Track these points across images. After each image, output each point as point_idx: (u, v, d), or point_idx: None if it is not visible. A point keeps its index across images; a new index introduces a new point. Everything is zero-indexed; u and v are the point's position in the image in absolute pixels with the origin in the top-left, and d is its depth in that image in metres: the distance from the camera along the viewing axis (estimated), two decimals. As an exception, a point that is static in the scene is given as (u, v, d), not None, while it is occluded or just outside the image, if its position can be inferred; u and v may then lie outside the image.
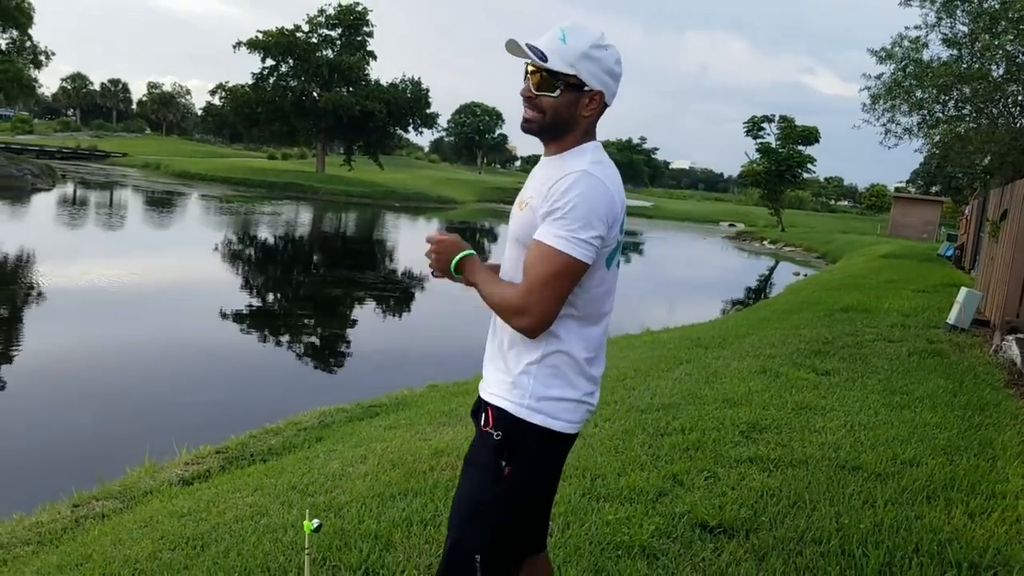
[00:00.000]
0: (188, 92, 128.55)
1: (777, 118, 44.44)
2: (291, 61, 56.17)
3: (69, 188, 37.15)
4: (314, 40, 56.87)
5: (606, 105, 1.92)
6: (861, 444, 4.61)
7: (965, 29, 15.59)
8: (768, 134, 44.44)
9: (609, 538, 3.25)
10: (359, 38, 58.05)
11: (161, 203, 35.24)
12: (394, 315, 15.03)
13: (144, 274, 16.00)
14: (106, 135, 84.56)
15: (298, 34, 56.02)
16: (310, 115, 55.71)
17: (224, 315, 12.54)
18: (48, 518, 4.38)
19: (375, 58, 58.78)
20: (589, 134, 1.92)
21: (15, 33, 42.30)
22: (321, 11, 57.11)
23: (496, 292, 1.85)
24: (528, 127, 1.91)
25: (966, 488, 3.93)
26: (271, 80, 56.55)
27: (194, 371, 9.41)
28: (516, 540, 1.95)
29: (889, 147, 18.31)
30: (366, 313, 14.88)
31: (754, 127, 44.43)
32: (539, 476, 1.93)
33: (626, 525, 3.37)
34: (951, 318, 9.37)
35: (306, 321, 13.56)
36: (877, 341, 8.32)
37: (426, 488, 3.87)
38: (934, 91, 16.07)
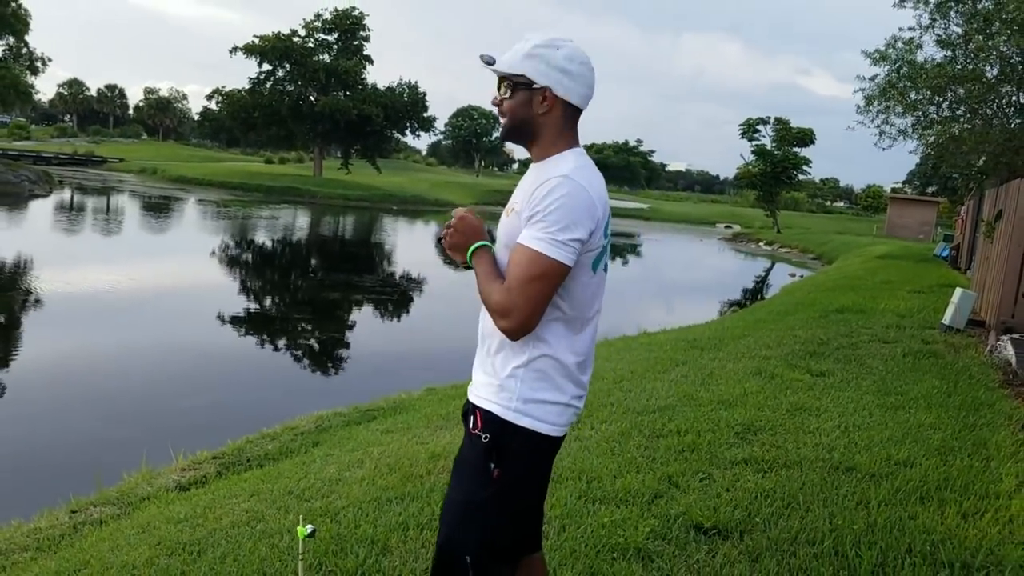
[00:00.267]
0: (185, 97, 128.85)
1: (772, 120, 44.52)
2: (288, 66, 56.19)
3: (66, 194, 37.12)
4: (311, 45, 56.93)
5: (572, 105, 1.93)
6: (855, 445, 4.63)
7: (959, 30, 15.66)
8: (764, 136, 44.54)
9: (605, 540, 3.27)
10: (356, 42, 58.11)
11: (158, 208, 35.23)
12: (392, 318, 15.04)
13: (142, 279, 16.01)
14: (103, 140, 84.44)
15: (295, 39, 56.06)
16: (307, 119, 55.73)
17: (221, 320, 12.55)
18: (46, 524, 4.39)
19: (372, 62, 58.88)
20: (564, 137, 1.95)
21: (11, 39, 42.29)
22: (318, 16, 57.20)
23: (486, 291, 1.88)
24: (502, 135, 2.02)
25: (959, 488, 3.95)
26: (268, 85, 56.57)
27: (191, 376, 9.42)
28: (507, 541, 1.97)
29: (883, 148, 18.38)
30: (364, 317, 14.89)
31: (749, 129, 44.49)
32: (527, 477, 1.95)
33: (621, 527, 3.38)
34: (946, 319, 9.39)
35: (303, 325, 13.57)
36: (872, 342, 8.35)
37: (423, 492, 3.88)
38: (928, 92, 16.14)
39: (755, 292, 22.15)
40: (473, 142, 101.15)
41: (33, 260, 17.12)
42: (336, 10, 56.93)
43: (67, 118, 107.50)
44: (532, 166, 1.99)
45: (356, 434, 5.95)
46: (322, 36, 57.56)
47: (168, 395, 8.50)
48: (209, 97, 59.04)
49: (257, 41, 54.65)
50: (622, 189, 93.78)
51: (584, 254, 1.86)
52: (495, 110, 1.98)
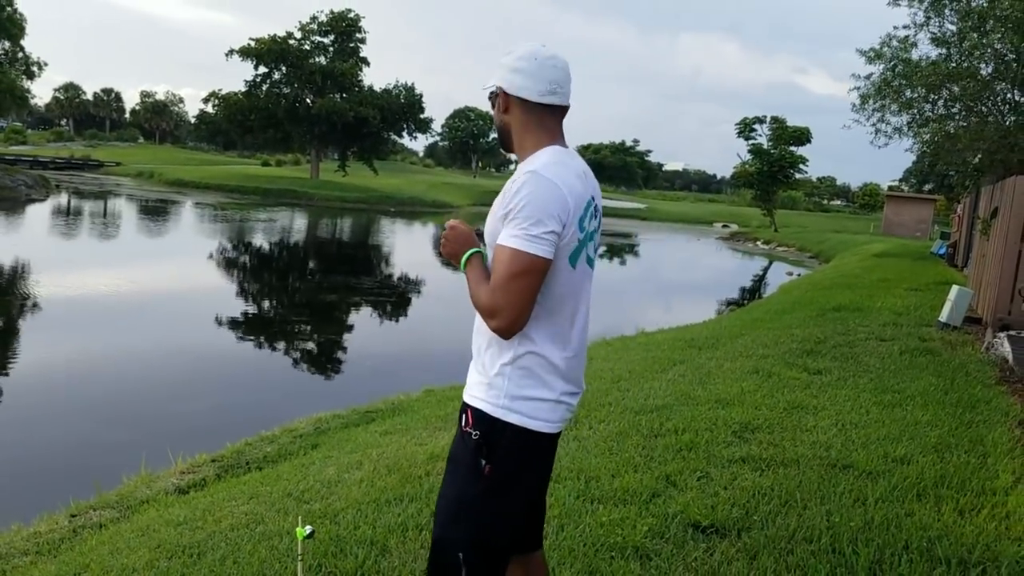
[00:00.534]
0: (181, 100, 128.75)
1: (769, 119, 44.59)
2: (284, 68, 56.18)
3: (63, 198, 37.08)
4: (307, 47, 56.92)
5: (535, 103, 1.97)
6: (852, 443, 4.65)
7: (953, 28, 15.70)
8: (760, 135, 44.60)
9: (603, 539, 3.28)
10: (352, 44, 58.09)
11: (155, 212, 35.21)
12: (390, 320, 15.05)
13: (140, 283, 16.00)
14: (99, 144, 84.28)
15: (291, 41, 56.05)
16: (304, 121, 55.71)
17: (219, 322, 12.55)
18: (46, 528, 4.40)
19: (368, 64, 58.89)
20: (535, 135, 1.99)
21: (7, 44, 42.19)
22: (313, 18, 57.20)
23: (475, 293, 1.92)
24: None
25: (956, 485, 3.97)
26: (264, 87, 56.55)
27: (190, 379, 9.42)
28: (499, 537, 1.98)
29: (879, 147, 18.46)
30: (362, 318, 14.89)
31: (746, 128, 44.55)
32: (518, 474, 1.97)
33: (620, 526, 3.40)
34: (943, 316, 9.42)
35: (301, 327, 13.57)
36: (869, 340, 8.37)
37: (422, 493, 3.90)
38: (923, 90, 16.18)
39: (752, 291, 22.17)
40: (470, 143, 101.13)
41: (31, 264, 17.10)
42: (332, 12, 56.93)
43: (63, 122, 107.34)
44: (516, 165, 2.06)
45: (355, 436, 5.95)
46: (318, 38, 57.57)
47: (166, 398, 8.50)
48: (205, 100, 59.03)
49: (253, 44, 54.64)
50: (619, 189, 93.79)
51: (560, 248, 1.89)
52: None
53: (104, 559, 3.56)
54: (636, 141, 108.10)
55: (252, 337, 12.24)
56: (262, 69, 55.79)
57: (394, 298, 17.11)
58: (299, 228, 33.74)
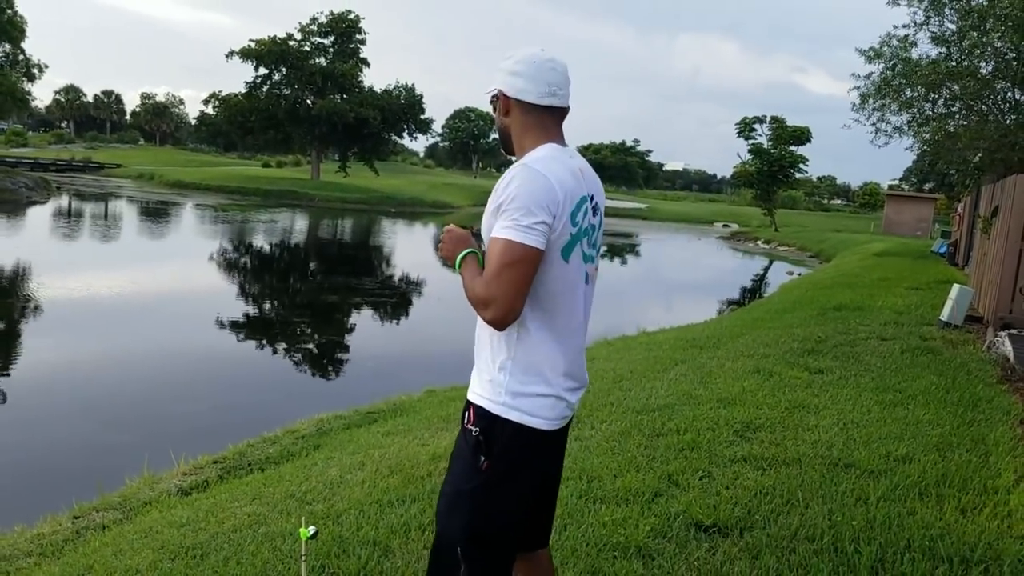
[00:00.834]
0: (181, 102, 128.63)
1: (768, 119, 44.57)
2: (284, 69, 56.24)
3: (64, 200, 37.11)
4: (307, 48, 56.97)
5: (535, 105, 2.00)
6: (854, 442, 4.65)
7: (953, 27, 15.70)
8: (760, 135, 44.59)
9: (606, 539, 3.29)
10: (352, 45, 58.13)
11: (156, 213, 35.22)
12: (391, 320, 15.05)
13: (141, 285, 16.01)
14: (100, 146, 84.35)
15: (291, 42, 56.11)
16: (304, 123, 55.75)
17: (221, 324, 12.56)
18: (49, 530, 4.41)
19: (368, 65, 58.96)
20: (534, 136, 2.02)
21: (8, 47, 42.23)
22: (313, 19, 57.26)
23: (469, 287, 1.93)
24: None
25: (958, 484, 3.97)
26: (264, 88, 56.60)
27: (192, 380, 9.43)
28: (496, 532, 1.98)
29: (879, 146, 18.46)
30: (363, 319, 14.90)
31: (746, 128, 44.54)
32: (517, 471, 1.97)
33: (622, 526, 3.41)
34: (944, 315, 9.41)
35: (303, 328, 13.58)
36: (870, 339, 8.37)
37: (424, 494, 3.90)
38: (923, 89, 16.18)
39: (753, 291, 22.18)
40: (471, 144, 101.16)
41: (32, 266, 17.12)
42: (332, 13, 56.98)
43: (64, 124, 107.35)
44: None
45: (357, 436, 5.96)
46: (318, 40, 57.63)
47: (168, 400, 8.51)
48: (206, 102, 59.09)
49: (253, 45, 54.69)
50: (620, 189, 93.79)
51: (552, 241, 1.90)
52: None
53: (107, 560, 3.57)
54: (636, 141, 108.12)
55: (254, 338, 12.25)
56: (262, 70, 55.88)
57: (395, 299, 17.12)
58: (300, 229, 33.76)
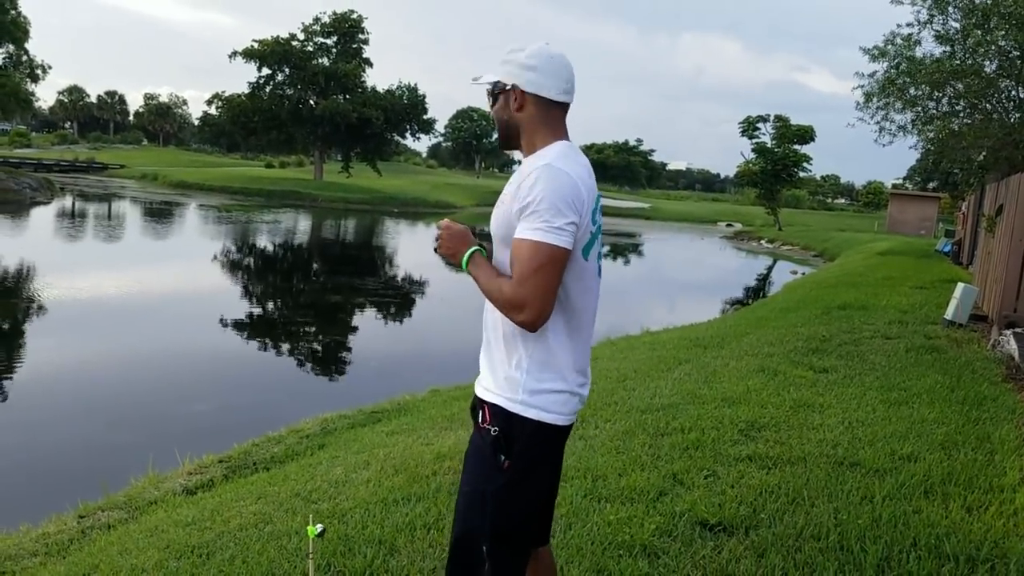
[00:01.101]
0: (184, 102, 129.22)
1: (772, 118, 44.51)
2: (287, 69, 56.27)
3: (68, 201, 37.19)
4: (310, 48, 57.00)
5: (548, 100, 2.00)
6: (859, 441, 4.65)
7: (957, 25, 15.66)
8: (763, 134, 44.53)
9: (611, 538, 3.29)
10: (355, 46, 58.16)
11: (160, 214, 35.29)
12: (395, 320, 15.06)
13: (145, 285, 16.04)
14: (103, 147, 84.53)
15: (293, 43, 56.15)
16: (307, 123, 55.81)
17: (225, 324, 12.58)
18: (55, 529, 4.42)
19: (371, 65, 58.98)
20: (546, 131, 2.01)
21: (11, 47, 42.32)
22: (316, 19, 57.31)
23: (495, 289, 1.92)
24: (499, 144, 2.14)
25: (964, 482, 3.96)
26: (267, 89, 56.64)
27: (196, 380, 9.45)
28: (521, 530, 2.01)
29: (883, 145, 18.41)
30: (367, 319, 14.91)
31: (749, 127, 44.48)
32: (537, 468, 1.99)
33: (627, 525, 3.40)
34: (948, 314, 9.40)
35: (307, 328, 13.60)
36: (875, 338, 8.36)
37: (429, 492, 3.90)
38: (927, 88, 16.14)
39: (757, 290, 22.16)
40: (473, 144, 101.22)
41: (36, 267, 17.15)
42: (335, 13, 57.02)
43: (68, 125, 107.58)
44: (523, 161, 2.07)
45: (361, 436, 5.97)
46: (321, 40, 57.64)
47: (173, 400, 8.53)
48: (209, 102, 59.19)
49: (256, 46, 54.75)
50: (623, 189, 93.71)
51: (577, 240, 1.91)
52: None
53: (113, 559, 3.57)
54: (639, 141, 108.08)
55: (258, 338, 12.26)
56: (265, 71, 55.93)
57: (398, 299, 17.13)
58: (303, 229, 33.80)
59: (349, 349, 12.09)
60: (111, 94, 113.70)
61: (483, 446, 1.99)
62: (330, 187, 52.73)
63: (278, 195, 48.52)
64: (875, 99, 17.78)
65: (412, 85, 60.13)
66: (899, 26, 17.09)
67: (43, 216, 30.51)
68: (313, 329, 13.54)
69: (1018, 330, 7.86)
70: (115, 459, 6.61)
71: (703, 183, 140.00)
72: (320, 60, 57.10)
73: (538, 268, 1.84)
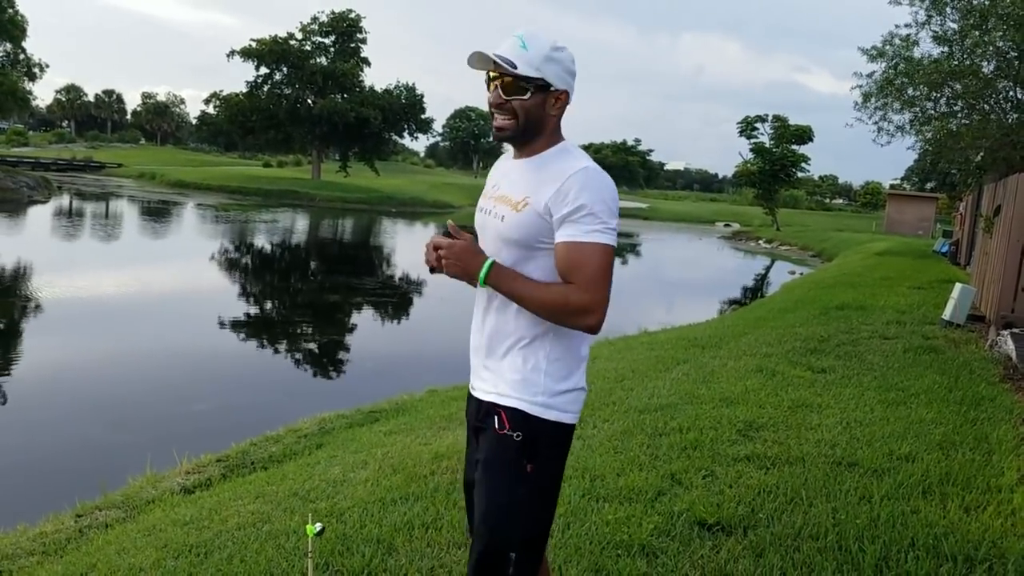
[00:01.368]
0: (182, 101, 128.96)
1: (770, 118, 44.55)
2: (285, 69, 56.30)
3: (65, 200, 37.14)
4: (308, 48, 57.01)
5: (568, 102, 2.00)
6: (857, 441, 4.65)
7: (955, 26, 15.68)
8: (762, 134, 44.56)
9: (609, 537, 3.29)
10: (352, 45, 58.16)
11: (158, 213, 35.25)
12: (392, 320, 15.06)
13: (143, 284, 16.03)
14: (101, 146, 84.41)
15: (291, 42, 56.16)
16: (305, 122, 55.78)
17: (222, 323, 12.57)
18: (52, 528, 4.41)
19: (369, 64, 58.99)
20: (557, 133, 2.00)
21: (9, 46, 42.29)
22: (314, 19, 57.32)
23: (553, 296, 1.87)
24: (503, 134, 1.96)
25: (962, 482, 3.97)
26: (265, 88, 56.65)
27: (194, 379, 9.44)
28: (546, 533, 2.01)
29: (882, 145, 18.44)
30: (364, 319, 14.90)
31: (748, 127, 44.52)
32: (558, 469, 1.99)
33: (626, 524, 3.40)
34: (946, 314, 9.41)
35: (305, 328, 13.59)
36: (872, 338, 8.36)
37: (427, 492, 3.90)
38: (925, 88, 16.17)
39: (755, 290, 22.17)
40: (471, 143, 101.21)
41: (34, 266, 17.13)
42: (333, 12, 57.01)
43: (65, 124, 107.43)
44: (523, 161, 2.00)
45: (359, 435, 5.96)
46: (319, 39, 57.66)
47: (171, 399, 8.51)
48: (207, 101, 59.20)
49: (254, 45, 54.75)
50: (621, 189, 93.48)
51: None
52: (497, 109, 1.94)
53: (111, 559, 3.57)
54: (637, 140, 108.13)
55: (255, 338, 12.25)
56: (263, 70, 55.96)
57: (396, 298, 17.13)
58: (301, 229, 33.78)
59: (347, 349, 12.08)
60: (109, 93, 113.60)
61: (504, 453, 1.93)
62: (328, 186, 52.71)
63: (276, 194, 48.48)
64: (873, 99, 17.82)
65: (410, 84, 60.15)
66: (897, 27, 17.14)
67: (41, 215, 30.47)
68: (311, 329, 13.53)
69: (1016, 330, 7.88)
70: (113, 458, 6.60)
71: (701, 183, 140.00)
72: (318, 59, 57.11)
73: (605, 270, 1.85)
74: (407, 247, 29.52)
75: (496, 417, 1.95)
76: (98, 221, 29.75)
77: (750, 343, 8.33)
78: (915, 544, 3.23)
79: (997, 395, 5.93)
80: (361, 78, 58.13)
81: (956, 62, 15.67)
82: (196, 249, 23.40)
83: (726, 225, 54.33)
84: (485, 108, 2.06)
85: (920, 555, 3.13)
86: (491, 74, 1.94)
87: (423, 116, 60.65)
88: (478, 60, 1.92)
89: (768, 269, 29.54)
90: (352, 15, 57.33)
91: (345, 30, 57.51)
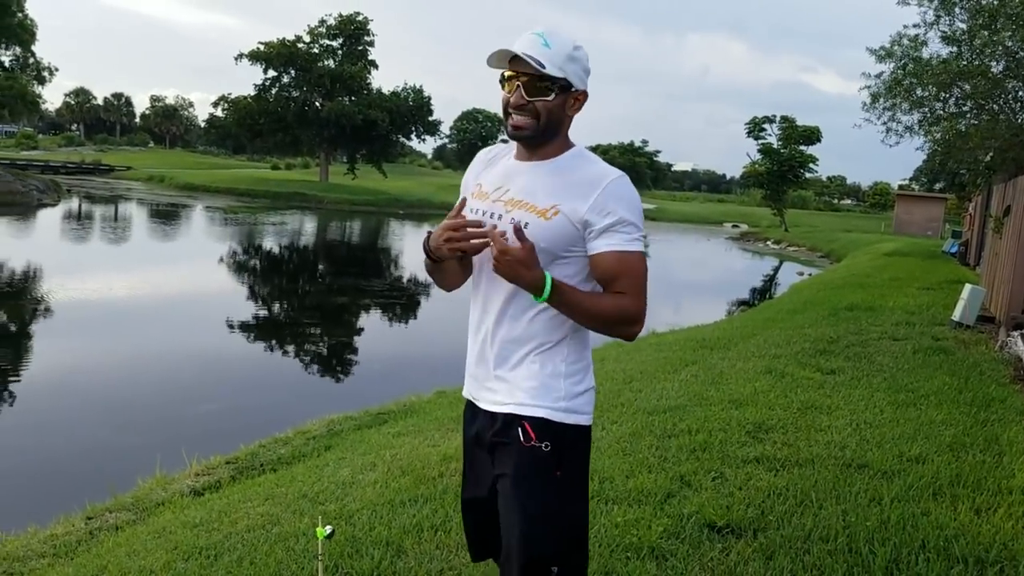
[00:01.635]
0: (191, 104, 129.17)
1: (778, 118, 44.46)
2: (293, 72, 56.48)
3: (75, 203, 37.32)
4: (315, 50, 57.19)
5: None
6: (867, 442, 4.63)
7: (964, 26, 15.59)
8: (770, 135, 44.48)
9: (618, 540, 3.28)
10: (360, 47, 58.34)
11: (167, 216, 35.39)
12: (400, 322, 15.08)
13: (152, 287, 16.09)
14: (110, 149, 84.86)
15: (299, 45, 56.33)
16: (313, 125, 55.95)
17: (231, 325, 12.61)
18: (63, 531, 4.43)
19: (376, 67, 59.14)
20: (567, 134, 1.99)
21: (18, 50, 42.56)
22: (322, 22, 57.51)
23: (611, 308, 1.86)
24: (521, 133, 1.88)
25: (972, 484, 3.95)
26: (273, 91, 56.85)
27: (203, 381, 9.47)
28: (585, 543, 1.99)
29: (890, 146, 18.34)
30: (373, 320, 14.93)
31: (755, 128, 44.44)
32: (583, 472, 1.97)
33: (635, 527, 3.40)
34: (956, 315, 9.37)
35: (313, 330, 13.62)
36: (882, 339, 8.33)
37: (436, 494, 3.91)
38: (934, 89, 16.08)
39: (764, 291, 22.11)
40: (479, 145, 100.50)
41: (44, 269, 17.22)
42: (340, 15, 57.22)
43: (74, 127, 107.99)
44: (537, 164, 1.93)
45: (368, 437, 5.97)
46: (327, 42, 57.84)
47: (180, 401, 8.55)
48: (215, 104, 59.40)
49: (262, 48, 54.94)
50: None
51: None
52: (517, 110, 1.87)
53: (121, 561, 3.58)
54: (645, 142, 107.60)
55: (264, 339, 12.29)
56: (271, 73, 56.16)
57: (404, 300, 17.15)
58: (309, 231, 33.86)
59: (355, 350, 12.11)
60: (117, 96, 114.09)
61: (535, 464, 1.87)
62: (336, 189, 52.86)
63: (284, 197, 48.63)
64: (882, 100, 17.73)
65: (418, 87, 60.30)
66: (905, 27, 17.02)
67: (50, 218, 30.62)
68: (319, 330, 13.55)
69: (1026, 331, 7.83)
70: (122, 460, 6.62)
71: (709, 184, 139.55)
72: (326, 62, 57.28)
73: (645, 280, 1.89)
74: (415, 249, 29.54)
75: (520, 429, 1.88)
76: (107, 224, 29.89)
77: (759, 344, 8.30)
78: (926, 546, 3.22)
79: (1007, 396, 5.90)
80: (369, 80, 58.30)
81: (965, 62, 15.58)
82: (205, 251, 23.48)
83: (734, 226, 54.18)
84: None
85: (931, 557, 3.12)
86: (507, 74, 1.86)
87: (430, 118, 60.76)
88: (500, 58, 1.85)
89: (776, 270, 29.45)
90: (360, 18, 57.51)
91: (353, 33, 57.69)
